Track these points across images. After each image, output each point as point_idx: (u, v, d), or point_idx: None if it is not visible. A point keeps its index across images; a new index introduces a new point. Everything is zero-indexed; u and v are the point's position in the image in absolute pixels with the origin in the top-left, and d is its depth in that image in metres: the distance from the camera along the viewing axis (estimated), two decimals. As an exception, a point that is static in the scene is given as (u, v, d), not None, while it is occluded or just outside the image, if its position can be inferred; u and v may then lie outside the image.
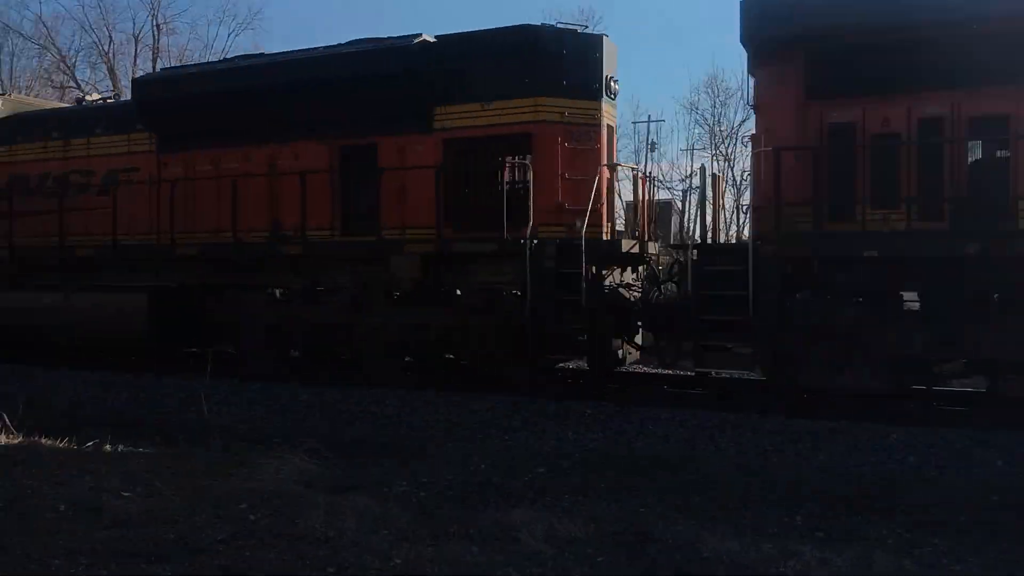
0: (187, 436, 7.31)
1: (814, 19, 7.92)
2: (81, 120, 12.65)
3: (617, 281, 9.55)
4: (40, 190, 12.32)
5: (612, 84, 9.53)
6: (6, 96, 15.19)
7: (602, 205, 9.34)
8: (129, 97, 14.07)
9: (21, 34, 33.63)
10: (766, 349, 8.03)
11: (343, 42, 10.59)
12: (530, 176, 9.05)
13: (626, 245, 9.44)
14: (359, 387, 9.39)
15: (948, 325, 7.35)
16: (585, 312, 8.70)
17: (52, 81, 32.69)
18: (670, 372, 9.83)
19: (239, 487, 5.25)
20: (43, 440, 6.76)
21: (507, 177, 9.00)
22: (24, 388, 9.54)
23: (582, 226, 8.71)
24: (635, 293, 9.58)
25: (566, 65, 9.16)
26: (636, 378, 10.30)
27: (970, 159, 7.72)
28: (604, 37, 9.58)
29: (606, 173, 9.46)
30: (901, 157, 7.68)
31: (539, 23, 9.59)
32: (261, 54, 13.07)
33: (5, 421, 6.72)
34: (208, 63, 15.69)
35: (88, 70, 34.05)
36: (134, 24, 34.44)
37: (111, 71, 33.09)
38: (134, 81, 14.40)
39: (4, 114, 13.32)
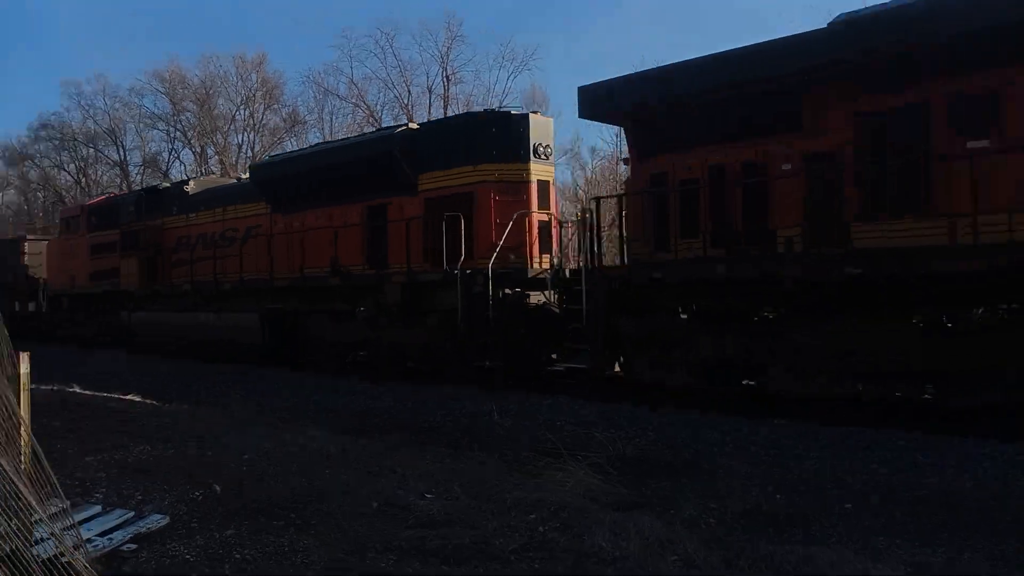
0: (474, 442, 7.78)
1: (626, 98, 10.18)
2: (231, 194, 17.69)
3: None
4: (210, 243, 17.23)
5: (541, 149, 12.00)
6: (196, 179, 21.46)
7: (530, 243, 11.86)
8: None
9: (337, 95, 37.57)
10: (595, 350, 10.29)
11: (369, 130, 16.19)
12: (462, 225, 11.55)
13: (532, 272, 11.79)
14: (642, 404, 9.33)
15: (717, 336, 9.17)
16: (494, 325, 11.19)
17: (364, 134, 34.65)
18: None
19: (527, 497, 5.41)
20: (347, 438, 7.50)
21: (448, 226, 11.64)
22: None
23: (517, 259, 11.66)
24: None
25: (498, 139, 11.92)
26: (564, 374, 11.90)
27: (744, 197, 9.12)
28: (532, 114, 12.31)
29: (534, 218, 11.92)
30: (698, 197, 9.48)
31: (484, 109, 13.87)
32: (326, 142, 19.05)
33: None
34: (292, 151, 20.68)
35: (391, 121, 37.88)
36: (427, 77, 39.04)
37: (410, 121, 34.95)
38: (250, 167, 20.62)
39: (196, 191, 18.92)
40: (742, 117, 9.06)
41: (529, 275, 11.77)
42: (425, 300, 12.37)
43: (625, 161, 11.54)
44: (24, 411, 2.85)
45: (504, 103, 37.32)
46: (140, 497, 5.62)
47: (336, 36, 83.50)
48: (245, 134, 42.76)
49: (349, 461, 6.83)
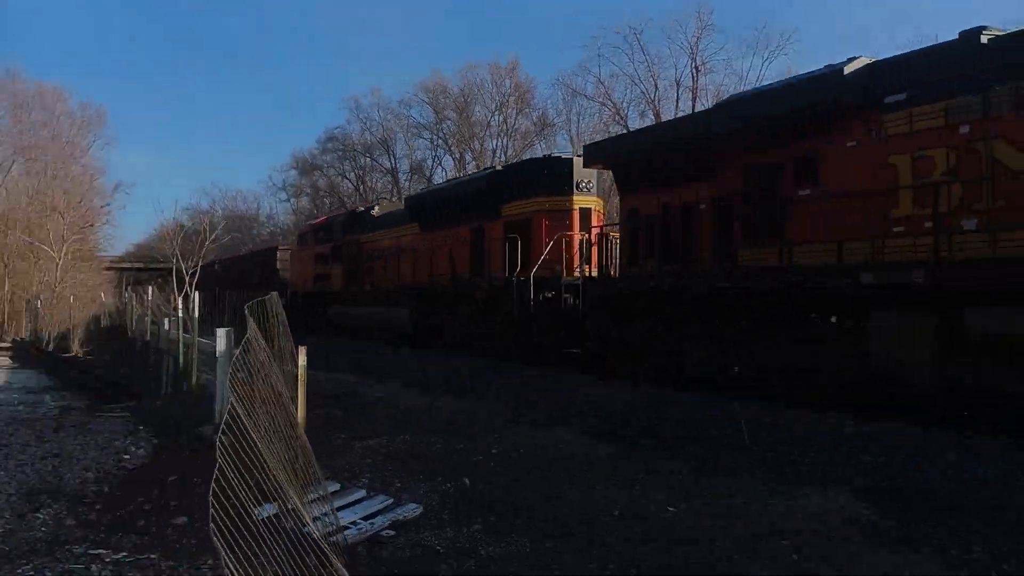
0: (707, 453, 6.98)
1: (611, 153, 13.91)
2: (397, 217, 22.75)
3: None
4: (384, 255, 22.56)
5: (583, 184, 15.55)
6: (381, 204, 26.96)
7: (568, 257, 15.17)
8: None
9: (584, 95, 40.48)
10: (589, 339, 13.53)
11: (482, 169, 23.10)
12: (519, 244, 15.29)
13: (567, 279, 14.86)
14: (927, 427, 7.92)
15: (662, 333, 11.68)
16: (535, 319, 14.76)
17: (609, 132, 36.85)
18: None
19: (777, 520, 5.01)
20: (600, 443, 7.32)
21: (512, 244, 15.42)
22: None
23: (557, 269, 15.02)
24: None
25: (549, 177, 15.77)
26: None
27: (680, 228, 11.58)
28: (576, 157, 15.48)
29: (575, 238, 15.13)
30: (652, 227, 12.13)
31: (542, 155, 18.70)
32: (451, 179, 26.40)
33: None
34: (431, 185, 27.28)
35: (638, 118, 38.91)
36: (676, 70, 39.30)
37: (656, 116, 37.08)
38: (405, 197, 28.27)
39: (379, 215, 24.32)
40: (680, 168, 11.61)
41: (563, 281, 14.79)
42: (500, 299, 15.68)
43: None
44: (301, 399, 3.07)
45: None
46: (399, 485, 6.00)
47: (587, 36, 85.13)
48: (499, 139, 45.03)
49: (591, 464, 6.77)
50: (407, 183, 51.46)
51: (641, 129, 15.08)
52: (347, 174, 57.20)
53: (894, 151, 8.65)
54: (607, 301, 12.95)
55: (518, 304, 14.78)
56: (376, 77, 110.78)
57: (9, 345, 24.89)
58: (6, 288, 30.04)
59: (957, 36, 8.33)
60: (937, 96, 8.21)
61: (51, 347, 22.49)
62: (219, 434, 2.98)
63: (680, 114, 35.27)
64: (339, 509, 5.24)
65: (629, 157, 12.92)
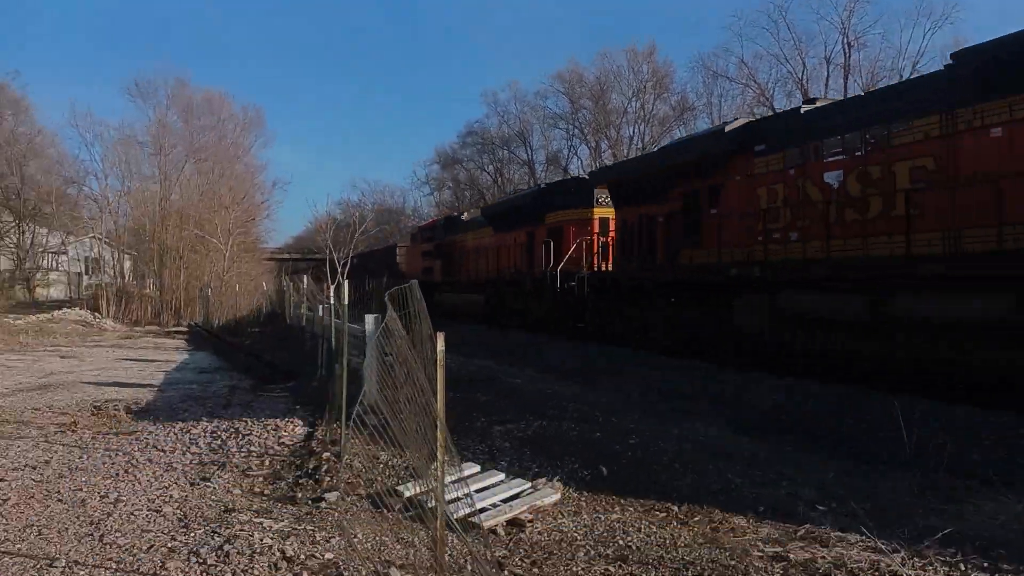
0: (865, 448, 6.68)
1: (609, 177, 18.64)
2: (478, 222, 27.63)
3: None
4: (469, 252, 27.64)
5: (600, 199, 19.29)
6: (470, 211, 31.72)
7: (589, 256, 18.61)
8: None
9: (727, 77, 40.26)
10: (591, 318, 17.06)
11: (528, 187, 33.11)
12: (552, 246, 19.25)
13: (584, 273, 17.80)
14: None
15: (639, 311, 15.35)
16: (561, 303, 18.25)
17: (753, 114, 35.72)
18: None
19: (946, 526, 4.62)
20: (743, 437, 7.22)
21: (548, 246, 19.41)
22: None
23: (582, 266, 18.23)
24: None
25: (576, 194, 20.30)
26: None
27: (649, 235, 15.47)
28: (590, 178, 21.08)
29: (595, 241, 18.76)
30: (633, 234, 16.14)
31: (569, 177, 30.82)
32: (509, 195, 35.31)
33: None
34: (499, 199, 32.54)
35: (784, 99, 37.69)
36: (825, 47, 37.77)
37: (805, 96, 34.69)
38: (482, 208, 32.38)
39: (467, 219, 29.53)
40: (648, 190, 15.26)
41: (579, 275, 17.66)
42: (542, 288, 19.20)
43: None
44: (440, 383, 3.15)
45: (920, 66, 33.02)
46: (536, 470, 6.06)
47: (727, 17, 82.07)
48: (636, 126, 44.32)
49: (732, 456, 6.56)
50: (543, 174, 51.75)
51: (627, 160, 24.30)
52: (486, 167, 58.33)
53: (758, 185, 12.18)
54: (599, 289, 16.90)
55: (550, 292, 18.52)
56: (514, 71, 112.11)
57: (186, 329, 27.30)
58: (182, 277, 32.95)
59: (801, 103, 12.96)
60: (779, 148, 11.77)
61: (219, 331, 24.43)
62: (352, 418, 3.12)
63: (830, 94, 34.00)
64: (478, 491, 5.37)
65: (619, 181, 17.29)
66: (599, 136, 46.18)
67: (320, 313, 12.19)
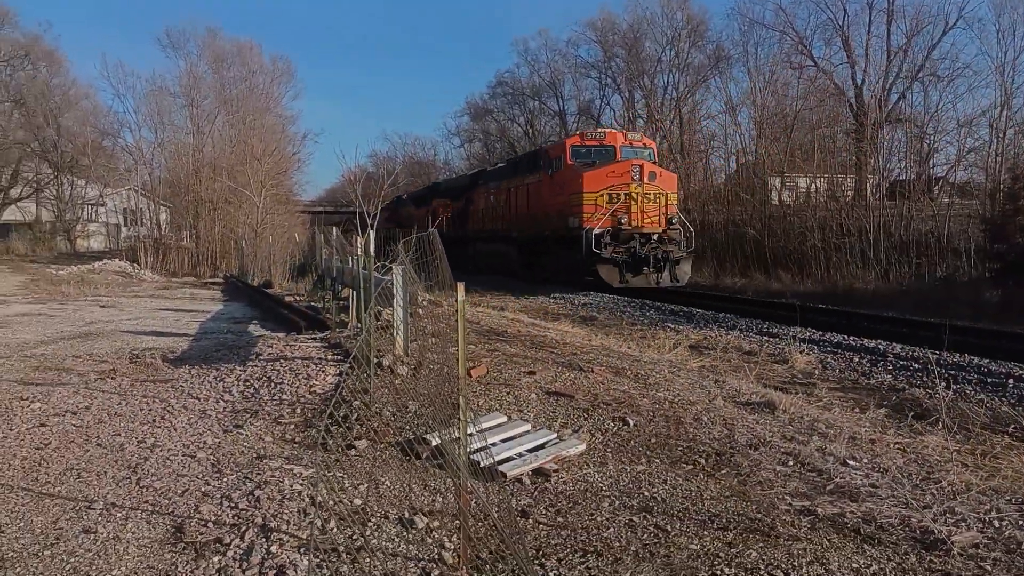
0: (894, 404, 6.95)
1: (443, 186, 38.75)
2: (502, 173, 28.28)
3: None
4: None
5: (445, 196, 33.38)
6: (483, 171, 33.64)
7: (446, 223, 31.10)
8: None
9: (763, 25, 38.87)
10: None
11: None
12: (434, 217, 31.82)
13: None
14: None
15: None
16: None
17: (791, 63, 35.10)
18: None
19: (978, 481, 4.67)
20: (777, 393, 7.30)
21: (432, 217, 32.46)
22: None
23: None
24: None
25: (442, 192, 35.81)
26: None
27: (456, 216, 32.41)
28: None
29: (445, 216, 32.19)
30: (452, 215, 34.40)
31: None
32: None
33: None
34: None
35: (823, 46, 36.16)
36: None
37: (845, 43, 34.56)
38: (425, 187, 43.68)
39: (482, 178, 30.70)
40: (454, 196, 32.56)
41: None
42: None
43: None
44: (461, 334, 3.12)
45: (965, 11, 31.61)
46: (562, 420, 6.08)
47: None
48: (670, 74, 43.25)
49: (769, 413, 6.52)
50: (574, 124, 51.01)
51: (448, 179, 40.05)
52: (516, 118, 57.58)
53: (479, 199, 28.89)
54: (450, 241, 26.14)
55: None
56: (544, 18, 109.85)
57: (221, 280, 27.73)
58: (216, 229, 33.32)
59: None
60: (487, 182, 28.31)
61: (254, 282, 24.78)
62: (380, 367, 3.12)
63: (873, 42, 33.24)
64: (504, 440, 5.39)
65: (448, 189, 34.21)
66: (632, 85, 45.17)
67: (351, 264, 12.25)
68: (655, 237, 19.18)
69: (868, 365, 9.59)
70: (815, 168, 26.95)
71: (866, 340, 11.19)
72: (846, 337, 11.60)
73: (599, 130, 22.96)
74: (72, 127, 47.86)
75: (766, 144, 30.20)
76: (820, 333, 12.14)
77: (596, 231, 18.85)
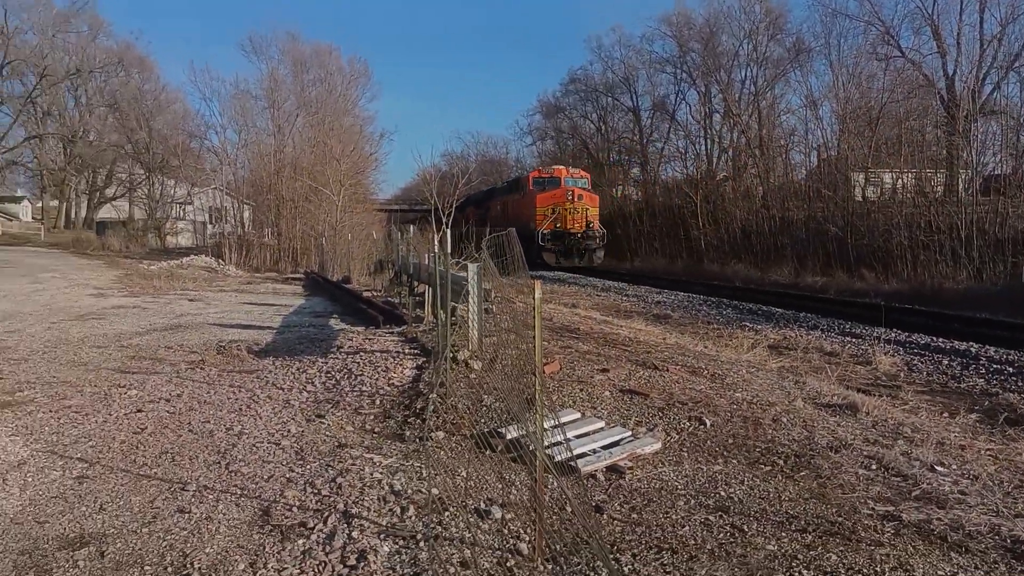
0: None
1: (470, 200, 47.25)
2: (501, 191, 42.36)
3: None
4: (497, 212, 39.90)
5: (471, 203, 44.37)
6: (496, 188, 45.25)
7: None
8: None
9: (847, 15, 37.76)
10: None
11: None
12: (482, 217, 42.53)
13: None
14: None
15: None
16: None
17: (876, 54, 33.90)
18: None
19: None
20: (859, 395, 7.16)
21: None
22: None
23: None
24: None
25: (475, 200, 46.68)
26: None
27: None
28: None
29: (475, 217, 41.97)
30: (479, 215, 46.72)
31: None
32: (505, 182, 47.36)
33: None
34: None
35: (911, 36, 35.65)
36: None
37: (935, 32, 33.20)
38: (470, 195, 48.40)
39: (493, 193, 43.53)
40: (476, 204, 44.81)
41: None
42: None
43: None
44: (537, 331, 3.17)
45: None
46: (636, 419, 6.06)
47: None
48: (748, 68, 42.21)
49: (851, 415, 6.34)
50: (648, 121, 50.35)
51: (473, 194, 43.45)
52: (589, 115, 57.21)
53: (493, 208, 40.91)
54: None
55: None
56: (618, 15, 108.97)
57: (302, 276, 28.62)
58: (297, 227, 34.41)
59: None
60: (494, 198, 42.05)
61: (334, 277, 25.47)
62: (457, 361, 3.19)
63: (965, 31, 31.65)
64: (578, 437, 5.42)
65: (471, 200, 43.64)
66: (708, 80, 44.20)
67: (427, 261, 12.48)
68: (579, 235, 32.10)
69: (958, 368, 9.21)
70: (902, 163, 25.87)
71: (956, 342, 10.74)
72: (934, 338, 11.16)
73: (551, 167, 37.58)
74: (162, 130, 50.22)
75: (849, 139, 29.17)
76: (906, 334, 11.72)
77: (543, 231, 31.98)
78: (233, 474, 4.84)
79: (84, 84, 53.50)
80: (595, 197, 34.54)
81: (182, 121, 50.31)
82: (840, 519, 4.07)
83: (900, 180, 26.12)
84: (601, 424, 5.77)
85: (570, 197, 32.45)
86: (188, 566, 3.56)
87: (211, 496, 4.45)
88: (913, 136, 27.02)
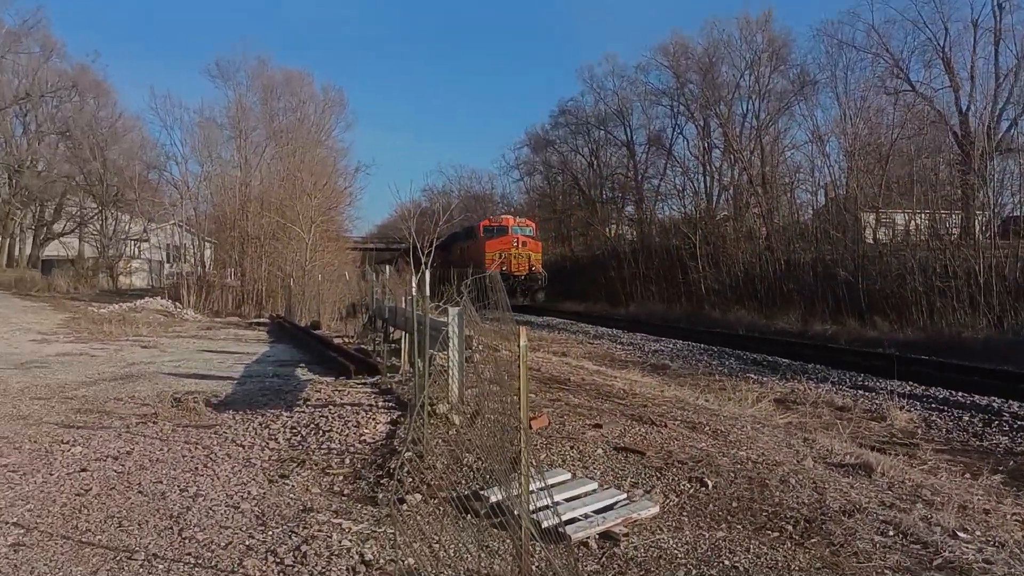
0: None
1: (441, 241, 34.06)
2: (461, 236, 46.91)
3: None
4: (456, 256, 44.22)
5: (442, 245, 36.35)
6: (455, 232, 47.40)
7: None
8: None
9: (854, 47, 38.58)
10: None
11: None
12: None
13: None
14: None
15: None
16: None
17: (885, 88, 35.01)
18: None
19: None
20: (874, 454, 7.14)
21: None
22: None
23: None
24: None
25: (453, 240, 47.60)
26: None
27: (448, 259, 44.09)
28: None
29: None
30: (444, 258, 47.25)
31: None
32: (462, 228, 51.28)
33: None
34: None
35: (922, 69, 35.80)
36: (972, 10, 35.93)
37: (947, 66, 34.20)
38: (452, 233, 49.06)
39: (452, 238, 45.34)
40: (445, 247, 40.65)
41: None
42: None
43: None
44: (523, 382, 3.17)
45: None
46: (632, 480, 6.02)
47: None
48: (750, 101, 43.05)
49: (865, 476, 6.34)
50: (643, 155, 51.05)
51: (445, 237, 38.00)
52: (580, 149, 57.96)
53: (456, 250, 44.27)
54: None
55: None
56: (612, 43, 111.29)
57: (267, 320, 28.49)
58: (263, 267, 34.37)
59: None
60: (458, 241, 45.43)
61: (302, 322, 25.37)
62: (435, 416, 3.17)
63: (979, 63, 32.97)
64: (569, 500, 5.37)
65: (442, 244, 33.26)
66: (707, 113, 45.02)
67: (403, 305, 12.48)
68: (523, 277, 39.73)
69: (980, 425, 9.25)
70: (914, 203, 26.32)
71: (977, 396, 10.81)
72: (953, 392, 11.23)
73: (500, 216, 46.11)
74: (118, 160, 50.26)
75: (858, 176, 29.69)
76: (923, 387, 11.78)
77: (491, 272, 40.57)
78: (187, 541, 4.75)
79: (34, 109, 53.54)
80: (539, 244, 42.88)
81: (140, 151, 50.54)
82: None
83: (913, 221, 26.54)
84: (594, 486, 5.72)
85: (515, 244, 40.33)
86: (133, 646, 3.47)
87: (161, 566, 4.36)
88: (926, 174, 27.54)
